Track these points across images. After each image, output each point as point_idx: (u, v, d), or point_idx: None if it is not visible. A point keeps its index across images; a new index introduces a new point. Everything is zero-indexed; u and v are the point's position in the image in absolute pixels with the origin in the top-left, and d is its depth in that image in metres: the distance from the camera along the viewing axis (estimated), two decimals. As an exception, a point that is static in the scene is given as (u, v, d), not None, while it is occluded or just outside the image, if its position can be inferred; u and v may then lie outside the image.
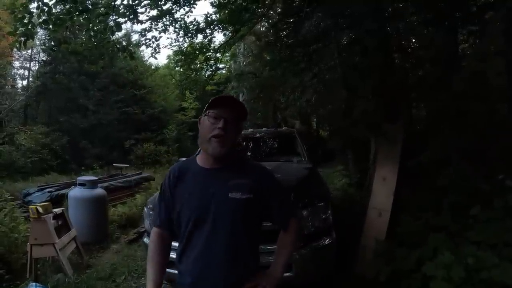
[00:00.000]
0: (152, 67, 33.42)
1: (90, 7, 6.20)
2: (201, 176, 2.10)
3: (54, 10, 6.12)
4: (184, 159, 2.53)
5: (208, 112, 2.03)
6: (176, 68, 19.44)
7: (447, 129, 5.08)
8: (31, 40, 6.15)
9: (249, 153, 6.90)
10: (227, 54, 16.50)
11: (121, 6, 6.88)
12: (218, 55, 12.68)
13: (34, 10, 5.87)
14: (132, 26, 28.92)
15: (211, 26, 10.57)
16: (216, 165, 2.09)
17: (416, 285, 3.81)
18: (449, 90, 4.89)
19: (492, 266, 3.25)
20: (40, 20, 5.99)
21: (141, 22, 7.76)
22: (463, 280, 3.31)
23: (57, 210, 5.96)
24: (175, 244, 2.22)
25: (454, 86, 4.79)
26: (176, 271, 2.19)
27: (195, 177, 2.11)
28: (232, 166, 2.11)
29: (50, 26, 6.16)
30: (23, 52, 28.47)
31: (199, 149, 2.56)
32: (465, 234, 3.84)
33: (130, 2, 6.95)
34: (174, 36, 10.51)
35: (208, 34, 10.88)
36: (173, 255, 2.22)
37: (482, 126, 4.52)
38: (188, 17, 9.91)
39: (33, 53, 29.70)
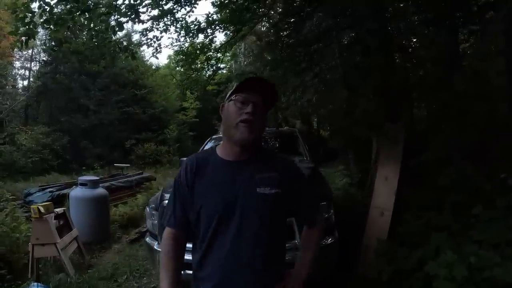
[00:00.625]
0: (153, 67, 33.49)
1: (91, 6, 6.20)
2: (224, 169, 1.89)
3: (55, 10, 6.12)
4: (184, 158, 2.21)
5: (235, 96, 1.84)
6: (177, 68, 19.43)
7: (448, 129, 5.09)
8: (32, 40, 6.15)
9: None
10: (227, 54, 16.51)
11: (123, 5, 6.89)
12: (219, 55, 12.69)
13: (36, 10, 5.88)
14: (132, 26, 28.96)
15: (212, 26, 10.57)
16: (241, 157, 1.89)
17: (418, 284, 3.81)
18: (450, 89, 4.90)
19: (495, 265, 3.25)
20: (42, 19, 6.00)
21: (143, 22, 7.76)
22: (465, 279, 3.31)
23: (59, 210, 5.97)
24: (189, 245, 2.01)
25: (455, 86, 4.80)
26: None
27: (217, 170, 1.89)
28: (258, 158, 1.92)
29: (51, 26, 6.16)
30: (24, 52, 28.57)
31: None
32: (467, 234, 3.84)
33: (132, 2, 6.95)
34: (175, 36, 10.52)
35: (209, 34, 10.89)
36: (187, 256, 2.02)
37: (483, 125, 4.53)
38: (189, 16, 9.92)
39: (33, 53, 29.76)
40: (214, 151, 1.98)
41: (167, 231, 1.97)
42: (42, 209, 5.34)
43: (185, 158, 2.11)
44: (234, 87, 1.89)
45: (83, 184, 7.46)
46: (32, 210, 5.37)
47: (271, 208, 1.84)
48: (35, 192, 10.08)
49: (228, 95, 1.91)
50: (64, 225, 6.07)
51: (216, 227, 1.81)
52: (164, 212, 2.02)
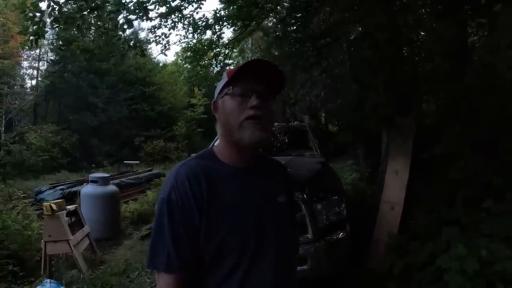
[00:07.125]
0: (160, 64, 33.60)
1: (100, 4, 6.21)
2: (241, 179, 1.47)
3: (64, 9, 6.14)
4: (193, 155, 1.58)
5: (231, 88, 1.42)
6: (185, 65, 19.48)
7: (458, 122, 5.07)
8: (41, 39, 6.17)
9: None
10: (235, 50, 16.52)
11: (131, 3, 6.91)
12: (226, 51, 12.70)
13: (44, 8, 5.89)
14: (139, 24, 29.04)
15: (220, 22, 10.58)
16: (250, 163, 1.51)
17: (429, 278, 3.79)
18: (460, 83, 4.88)
19: (506, 258, 3.24)
20: (51, 18, 6.01)
21: (151, 19, 7.79)
22: (476, 273, 3.30)
23: (71, 207, 6.00)
24: None
25: (465, 79, 4.77)
26: None
27: (232, 182, 1.45)
28: (259, 161, 1.59)
29: (61, 25, 6.19)
30: (32, 52, 28.74)
31: (216, 137, 1.48)
32: (478, 227, 3.82)
33: (140, -1, 6.98)
34: (183, 33, 10.51)
35: (217, 30, 10.90)
36: None
37: (493, 119, 4.50)
38: (197, 13, 9.92)
39: (41, 52, 29.91)
40: (213, 155, 1.52)
41: (167, 280, 1.37)
42: (54, 207, 5.37)
43: (178, 165, 1.48)
44: (230, 76, 1.44)
45: (94, 181, 7.51)
46: (44, 208, 5.41)
47: (288, 217, 1.61)
48: (45, 190, 10.19)
49: (219, 88, 1.50)
50: (76, 222, 6.11)
51: (253, 255, 1.39)
52: (151, 250, 1.42)
